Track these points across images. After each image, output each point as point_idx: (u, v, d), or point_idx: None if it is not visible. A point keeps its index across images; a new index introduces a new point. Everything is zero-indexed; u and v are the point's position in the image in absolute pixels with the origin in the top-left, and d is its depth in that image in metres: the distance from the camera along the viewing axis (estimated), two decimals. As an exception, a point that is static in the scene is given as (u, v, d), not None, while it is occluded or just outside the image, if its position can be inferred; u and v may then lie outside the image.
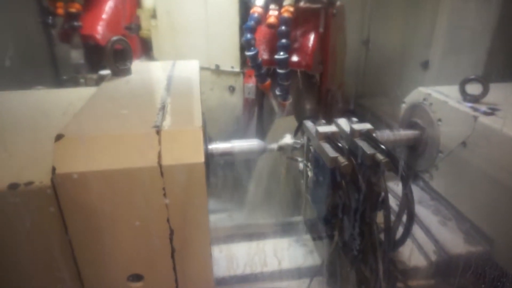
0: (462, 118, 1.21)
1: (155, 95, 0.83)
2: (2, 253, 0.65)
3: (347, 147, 1.03)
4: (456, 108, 1.24)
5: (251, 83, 1.74)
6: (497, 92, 1.27)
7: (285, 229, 1.45)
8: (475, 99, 1.25)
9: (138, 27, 1.92)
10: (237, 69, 1.81)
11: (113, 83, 0.93)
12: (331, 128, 1.08)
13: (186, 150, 0.64)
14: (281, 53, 1.46)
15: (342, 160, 0.95)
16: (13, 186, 0.63)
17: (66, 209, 0.63)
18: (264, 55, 1.56)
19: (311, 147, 1.18)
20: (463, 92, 1.27)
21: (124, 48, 0.96)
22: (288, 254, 1.33)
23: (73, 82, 1.68)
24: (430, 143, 1.36)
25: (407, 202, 0.91)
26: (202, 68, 1.72)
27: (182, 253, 0.70)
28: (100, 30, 1.73)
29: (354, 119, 1.12)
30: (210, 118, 1.79)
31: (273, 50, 1.51)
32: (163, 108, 0.75)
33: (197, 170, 0.64)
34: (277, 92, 1.57)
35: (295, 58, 1.53)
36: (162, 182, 0.63)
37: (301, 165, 1.30)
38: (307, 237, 1.44)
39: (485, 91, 1.23)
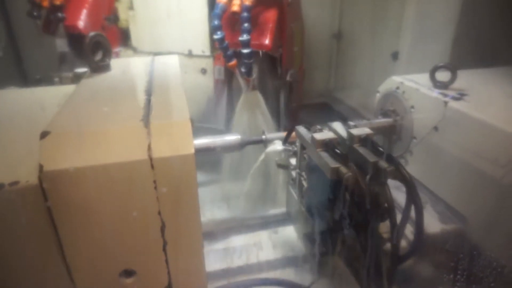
0: (433, 104, 1.26)
1: (138, 90, 0.82)
2: (-10, 255, 0.63)
3: (344, 153, 0.97)
4: (427, 95, 1.30)
5: (220, 65, 1.96)
6: (464, 79, 1.34)
7: (272, 221, 1.48)
8: (444, 86, 1.31)
9: (116, 18, 2.07)
10: (207, 53, 2.00)
11: (94, 79, 0.91)
12: (329, 135, 1.02)
13: (176, 142, 0.65)
14: (244, 35, 1.68)
15: (344, 170, 0.89)
16: (-2, 187, 0.61)
17: (55, 206, 0.62)
18: (230, 38, 1.75)
19: (305, 155, 1.15)
20: (433, 79, 1.33)
21: (103, 44, 0.95)
22: (277, 244, 1.36)
23: (47, 81, 1.68)
24: (404, 130, 1.42)
25: (417, 213, 0.88)
26: (176, 54, 1.88)
27: (174, 245, 0.71)
28: (82, 20, 1.88)
29: (351, 123, 1.08)
30: (186, 98, 1.97)
31: (237, 33, 1.73)
32: (148, 102, 0.74)
33: (188, 161, 0.64)
34: (242, 70, 1.78)
35: (256, 41, 1.76)
36: (153, 175, 0.63)
37: (293, 173, 1.29)
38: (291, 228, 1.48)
39: (453, 77, 1.30)
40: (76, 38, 1.93)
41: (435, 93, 1.28)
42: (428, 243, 1.21)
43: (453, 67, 1.30)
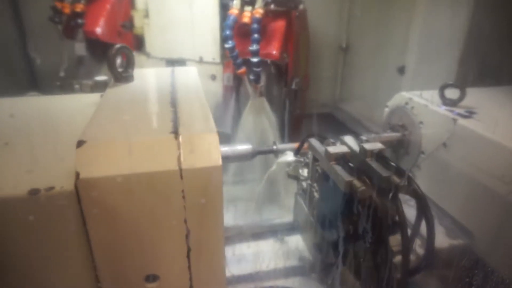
0: (443, 121, 1.30)
1: (164, 102, 0.85)
2: (24, 257, 0.66)
3: (357, 167, 0.99)
4: (436, 112, 1.33)
5: (229, 72, 2.08)
6: (471, 97, 1.38)
7: (279, 229, 1.50)
8: (453, 103, 1.34)
9: (132, 25, 2.20)
10: (217, 60, 2.12)
11: (118, 89, 0.94)
12: (342, 148, 1.05)
13: (204, 154, 0.68)
14: (254, 45, 1.81)
15: (358, 184, 0.91)
16: (34, 192, 0.64)
17: (88, 212, 0.64)
18: (240, 47, 1.88)
19: (317, 168, 1.17)
20: (442, 96, 1.37)
21: (126, 55, 0.98)
22: (283, 253, 1.38)
23: (67, 88, 1.74)
24: (413, 145, 1.45)
25: (428, 227, 0.91)
26: (188, 60, 2.13)
27: (197, 252, 0.73)
28: (100, 26, 2.03)
29: (363, 138, 1.11)
30: None
31: (247, 43, 1.86)
32: (175, 114, 0.78)
33: (215, 172, 0.67)
34: (251, 77, 1.90)
35: (265, 50, 1.89)
36: (181, 185, 0.66)
37: (304, 184, 1.31)
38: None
39: (462, 95, 1.33)
40: (93, 43, 2.08)
41: (444, 110, 1.32)
42: (435, 258, 1.23)
43: (462, 85, 1.33)
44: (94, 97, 0.98)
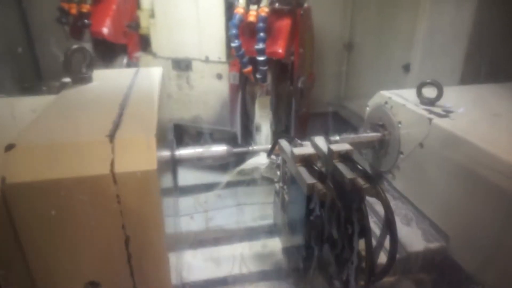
0: (419, 121, 1.26)
1: (113, 103, 0.83)
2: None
3: (324, 170, 0.98)
4: (413, 111, 1.29)
5: (235, 71, 2.08)
6: (452, 95, 1.34)
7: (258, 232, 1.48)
8: (431, 102, 1.30)
9: (137, 25, 2.20)
10: (223, 59, 2.12)
11: (73, 91, 0.93)
12: (308, 150, 1.03)
13: (139, 158, 0.65)
14: (260, 44, 1.81)
15: (319, 187, 0.90)
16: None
17: (18, 219, 0.63)
18: (246, 46, 1.88)
19: (286, 169, 1.16)
20: (420, 95, 1.33)
21: (85, 56, 0.97)
22: (262, 255, 1.35)
23: (35, 89, 1.74)
24: (392, 145, 1.41)
25: (390, 228, 0.87)
26: (194, 59, 2.15)
27: (139, 258, 0.71)
28: (106, 27, 2.05)
29: (335, 138, 1.11)
30: (201, 102, 2.25)
31: (253, 42, 1.86)
32: (120, 116, 0.76)
33: (150, 177, 0.65)
34: (257, 76, 1.90)
35: (271, 49, 1.88)
36: (115, 190, 0.64)
37: (276, 186, 1.30)
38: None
39: (440, 94, 1.29)
40: (100, 43, 2.11)
41: (421, 110, 1.28)
42: (411, 261, 1.20)
43: (439, 83, 1.29)
44: (50, 99, 0.96)
